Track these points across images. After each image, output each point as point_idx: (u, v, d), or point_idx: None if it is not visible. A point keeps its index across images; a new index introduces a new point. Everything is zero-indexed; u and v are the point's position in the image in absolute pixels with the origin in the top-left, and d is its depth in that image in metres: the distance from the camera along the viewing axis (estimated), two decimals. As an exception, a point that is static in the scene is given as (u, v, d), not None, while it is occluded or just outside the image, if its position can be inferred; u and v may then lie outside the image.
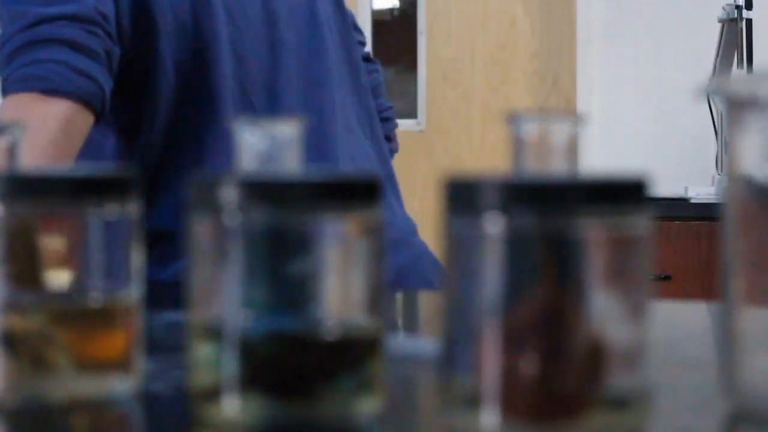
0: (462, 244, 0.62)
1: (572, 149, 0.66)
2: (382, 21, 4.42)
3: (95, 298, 0.73)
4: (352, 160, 1.62)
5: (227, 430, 0.64)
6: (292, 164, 0.70)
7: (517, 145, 0.66)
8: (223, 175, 0.65)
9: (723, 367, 0.70)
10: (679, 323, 1.14)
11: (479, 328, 0.61)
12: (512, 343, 0.60)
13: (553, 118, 0.66)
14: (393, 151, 1.87)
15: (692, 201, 3.30)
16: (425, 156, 4.26)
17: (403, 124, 4.35)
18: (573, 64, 4.07)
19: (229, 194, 0.64)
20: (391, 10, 4.47)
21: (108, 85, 1.40)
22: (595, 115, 3.95)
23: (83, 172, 0.73)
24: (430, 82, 4.27)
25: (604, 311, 0.61)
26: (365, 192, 0.66)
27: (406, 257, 1.63)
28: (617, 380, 0.61)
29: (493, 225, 0.60)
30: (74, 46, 1.36)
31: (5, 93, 1.38)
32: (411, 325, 1.22)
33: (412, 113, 4.32)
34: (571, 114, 0.66)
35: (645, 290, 0.63)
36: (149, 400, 0.73)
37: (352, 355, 0.65)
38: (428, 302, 1.34)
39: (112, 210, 0.72)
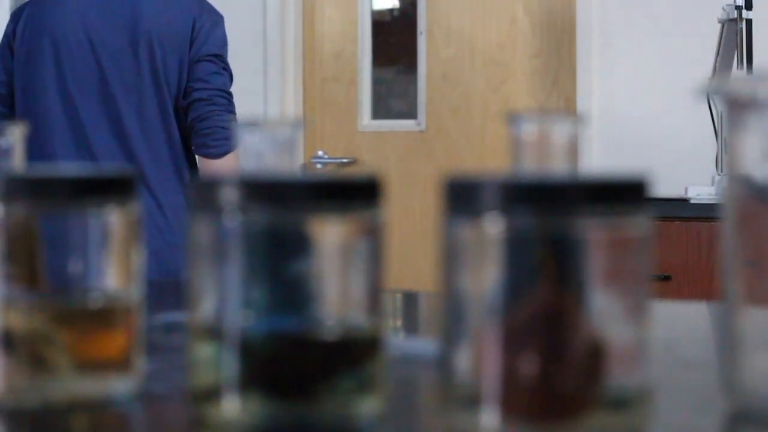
0: (461, 244, 0.62)
1: (572, 149, 0.66)
2: (382, 21, 4.42)
3: (95, 298, 0.73)
4: None
5: (227, 430, 0.64)
6: (290, 164, 0.70)
7: (517, 145, 0.66)
8: (223, 176, 0.65)
9: (723, 367, 0.70)
10: (679, 323, 1.14)
11: (479, 329, 0.61)
12: (512, 343, 0.60)
13: (553, 119, 0.66)
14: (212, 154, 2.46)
15: (692, 201, 3.29)
16: (425, 156, 4.25)
17: (403, 125, 4.35)
18: (573, 64, 4.07)
19: (229, 194, 0.64)
20: (391, 10, 4.47)
21: None
22: (595, 115, 3.95)
23: (83, 173, 0.73)
24: (430, 82, 4.27)
25: (603, 311, 0.61)
26: (365, 193, 0.66)
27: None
28: (617, 380, 0.61)
29: (493, 225, 0.60)
30: None
31: None
32: (411, 326, 1.22)
33: (412, 113, 4.32)
34: (571, 114, 0.66)
35: (645, 290, 0.63)
36: (149, 400, 0.73)
37: (352, 355, 0.65)
38: (428, 302, 1.34)
39: (112, 210, 0.72)
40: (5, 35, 2.54)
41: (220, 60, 2.48)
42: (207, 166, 2.45)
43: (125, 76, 2.44)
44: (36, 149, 2.39)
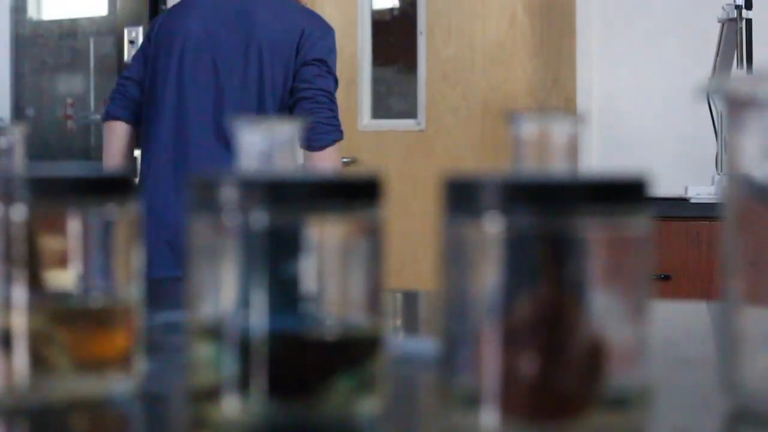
0: (462, 243, 0.62)
1: (572, 149, 0.66)
2: (382, 21, 4.42)
3: (96, 298, 0.73)
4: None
5: (227, 430, 0.64)
6: (291, 164, 0.70)
7: (517, 144, 0.66)
8: (223, 175, 0.65)
9: (722, 367, 0.70)
10: (679, 323, 1.14)
11: (479, 328, 0.61)
12: (512, 342, 0.60)
13: (553, 118, 0.66)
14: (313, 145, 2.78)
15: (692, 201, 3.29)
16: (425, 156, 4.25)
17: (403, 124, 4.35)
18: (573, 63, 4.07)
19: (229, 194, 0.64)
20: (391, 9, 4.47)
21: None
22: (595, 114, 3.95)
23: (84, 173, 0.73)
24: (430, 81, 4.27)
25: (603, 311, 0.61)
26: (365, 192, 0.66)
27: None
28: (617, 380, 0.61)
29: (493, 225, 0.60)
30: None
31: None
32: (411, 325, 1.22)
33: (412, 113, 4.32)
34: (571, 114, 0.66)
35: (644, 290, 0.63)
36: (149, 400, 0.73)
37: (352, 355, 0.65)
38: (428, 302, 1.34)
39: (112, 210, 0.72)
40: (142, 43, 3.00)
41: (323, 64, 2.82)
42: (309, 158, 2.76)
43: (234, 74, 2.79)
44: (143, 135, 2.89)
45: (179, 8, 2.95)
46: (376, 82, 4.42)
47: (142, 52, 2.94)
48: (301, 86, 2.79)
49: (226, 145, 2.75)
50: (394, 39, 4.46)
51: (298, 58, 2.81)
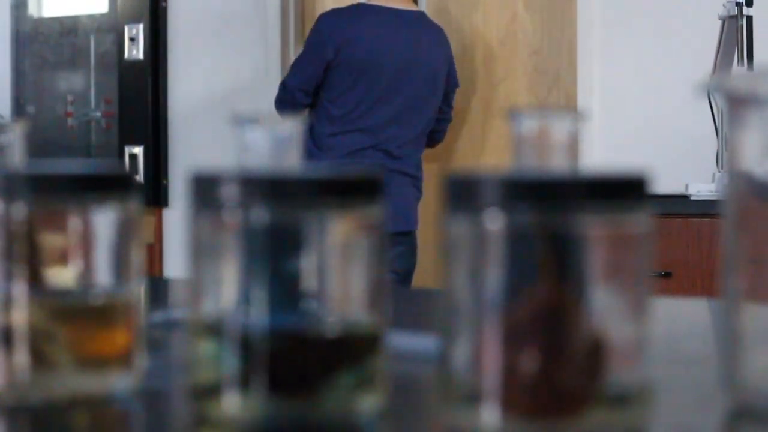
0: (462, 241, 0.62)
1: (573, 146, 0.66)
2: (382, 18, 4.42)
3: (96, 295, 0.73)
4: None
5: (228, 427, 0.64)
6: (292, 161, 0.70)
7: (518, 141, 0.66)
8: (224, 172, 0.65)
9: (723, 364, 0.70)
10: (680, 320, 1.14)
11: (480, 325, 0.61)
12: (512, 340, 0.60)
13: (554, 115, 0.66)
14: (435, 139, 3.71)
15: (692, 198, 3.29)
16: (425, 153, 4.25)
17: (404, 121, 4.34)
18: (574, 60, 4.07)
19: (230, 191, 0.64)
20: (392, 6, 4.46)
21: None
22: (596, 111, 3.95)
23: (84, 170, 0.73)
24: (430, 78, 4.27)
25: (604, 308, 0.61)
26: (366, 189, 0.66)
27: None
28: (617, 377, 0.61)
29: (494, 222, 0.60)
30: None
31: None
32: (412, 323, 1.22)
33: (412, 110, 4.32)
34: (572, 111, 0.66)
35: (645, 287, 0.63)
36: (150, 397, 0.73)
37: (353, 352, 0.65)
38: (429, 299, 1.34)
39: (112, 207, 0.72)
40: (320, 49, 3.34)
41: (457, 89, 3.63)
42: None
43: (420, 100, 3.43)
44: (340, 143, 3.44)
45: (368, 30, 3.38)
46: (377, 79, 4.41)
47: (321, 61, 3.33)
48: (445, 109, 3.59)
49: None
50: (395, 36, 4.45)
51: (449, 82, 3.55)
